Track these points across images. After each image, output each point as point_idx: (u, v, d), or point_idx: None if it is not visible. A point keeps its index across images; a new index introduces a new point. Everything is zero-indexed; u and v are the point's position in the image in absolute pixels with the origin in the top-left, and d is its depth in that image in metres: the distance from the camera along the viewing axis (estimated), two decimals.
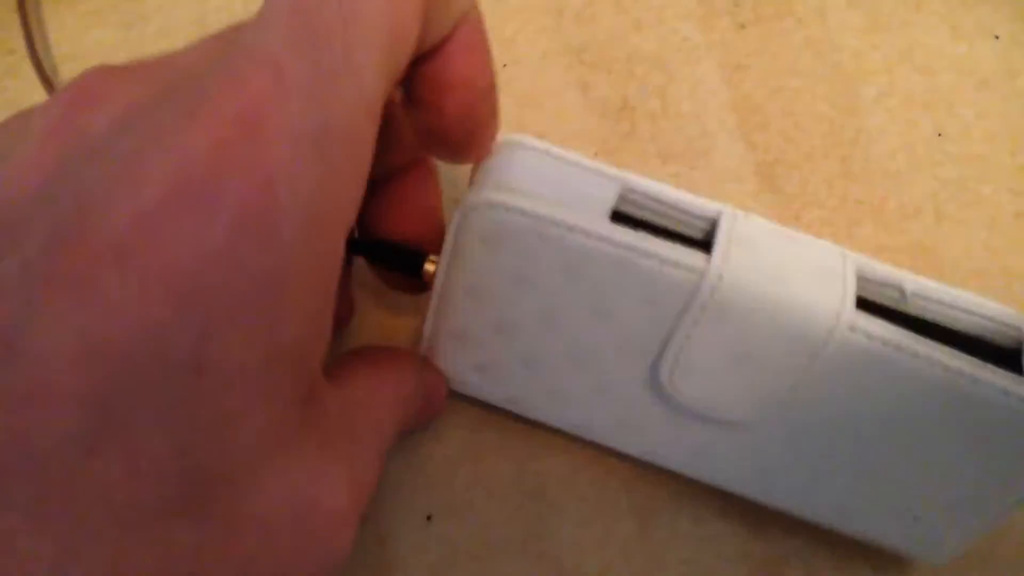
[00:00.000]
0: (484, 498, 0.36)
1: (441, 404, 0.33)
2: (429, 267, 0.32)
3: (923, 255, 0.40)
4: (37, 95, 0.41)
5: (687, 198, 0.31)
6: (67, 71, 0.41)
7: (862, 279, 0.30)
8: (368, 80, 0.22)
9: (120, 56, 0.41)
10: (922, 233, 0.41)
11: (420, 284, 0.32)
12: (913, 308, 0.31)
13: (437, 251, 0.31)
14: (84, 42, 0.42)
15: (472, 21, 0.26)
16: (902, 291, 0.30)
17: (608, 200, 0.30)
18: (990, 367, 0.29)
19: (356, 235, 0.33)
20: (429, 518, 0.35)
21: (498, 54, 0.42)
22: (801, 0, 0.43)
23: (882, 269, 0.31)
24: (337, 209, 0.22)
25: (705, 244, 0.30)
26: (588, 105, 0.42)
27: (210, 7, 0.42)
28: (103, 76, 0.23)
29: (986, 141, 0.42)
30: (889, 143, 0.42)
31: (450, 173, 0.38)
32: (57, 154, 0.22)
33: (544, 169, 0.30)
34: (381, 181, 0.32)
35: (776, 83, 0.42)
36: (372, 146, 0.23)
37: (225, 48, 0.22)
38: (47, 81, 0.40)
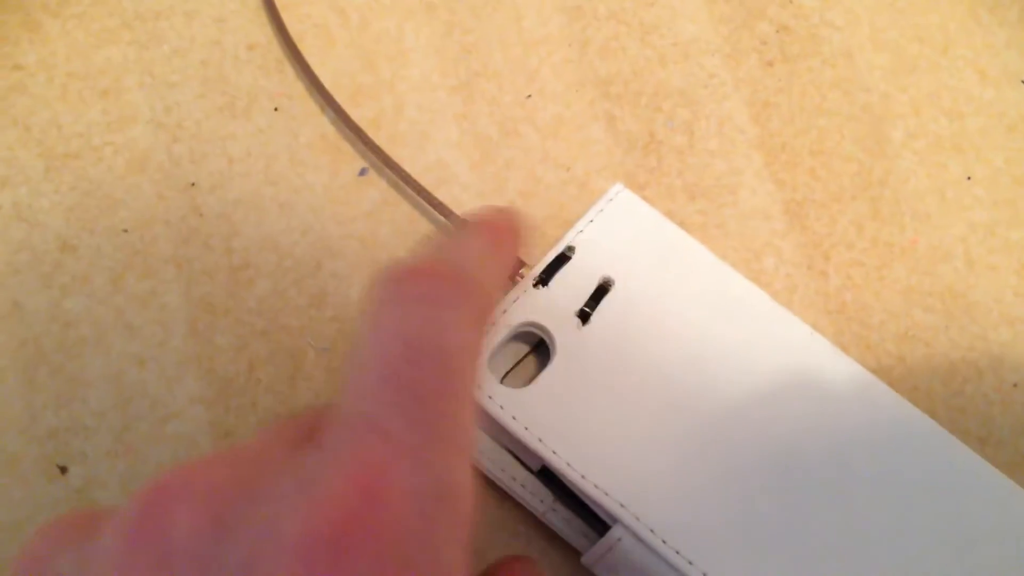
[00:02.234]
0: (508, 537, 0.34)
1: None
2: None
3: (952, 299, 0.39)
4: (45, 111, 0.39)
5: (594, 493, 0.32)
6: (75, 89, 0.40)
7: None
8: (467, 432, 0.22)
9: (132, 76, 0.40)
10: (953, 277, 0.40)
11: None
12: None
13: None
14: (94, 60, 0.40)
15: None
16: None
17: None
18: None
19: None
20: None
21: (522, 84, 0.41)
22: (828, 40, 0.43)
23: None
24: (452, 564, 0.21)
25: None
26: (614, 138, 0.41)
27: (227, 28, 0.41)
28: (177, 473, 0.22)
29: (1016, 186, 0.41)
30: (918, 185, 0.41)
31: None
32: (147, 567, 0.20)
33: None
34: None
35: (804, 122, 0.42)
36: (475, 500, 0.22)
37: (310, 426, 0.22)
38: None
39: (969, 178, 0.41)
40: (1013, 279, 0.40)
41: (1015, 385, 0.38)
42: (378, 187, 0.39)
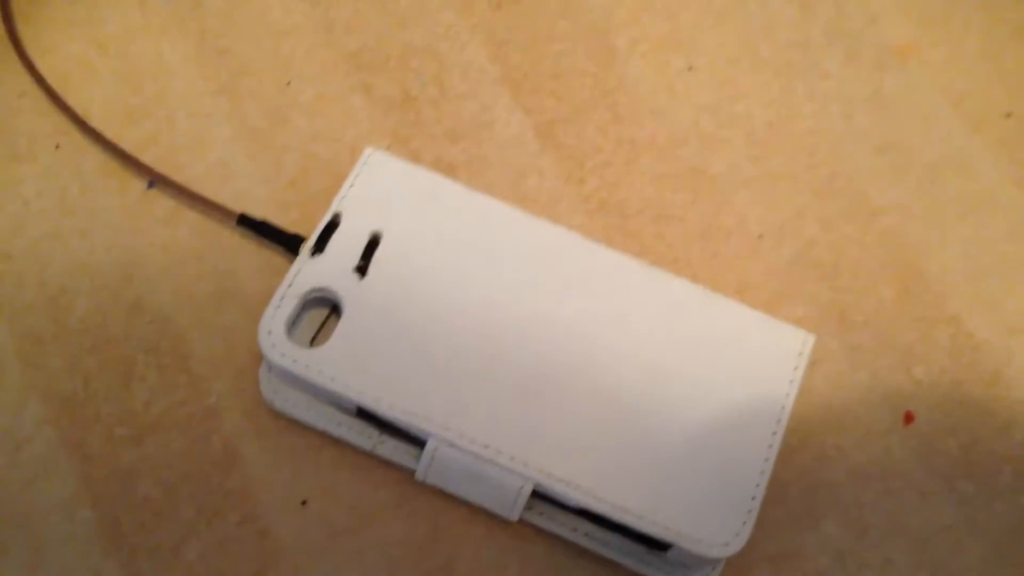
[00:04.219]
0: (350, 472, 0.39)
1: None
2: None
3: (695, 177, 0.45)
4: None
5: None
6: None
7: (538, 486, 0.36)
8: None
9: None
10: (693, 157, 0.45)
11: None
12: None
13: None
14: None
15: None
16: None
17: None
18: None
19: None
20: (304, 503, 0.38)
21: (280, 73, 0.45)
22: None
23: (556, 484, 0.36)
24: None
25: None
26: (374, 104, 0.45)
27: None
28: None
29: (731, 66, 0.47)
30: (648, 84, 0.46)
31: None
32: None
33: None
34: None
35: (538, 51, 0.47)
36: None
37: None
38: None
39: (691, 68, 0.47)
40: (743, 146, 0.46)
41: (760, 236, 0.44)
42: (167, 194, 0.42)
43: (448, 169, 0.44)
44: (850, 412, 0.41)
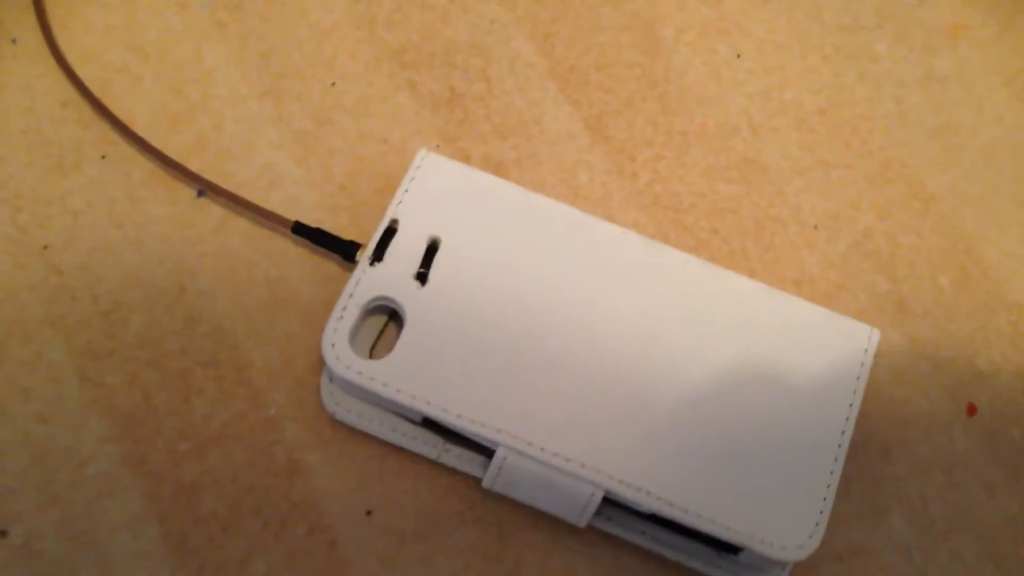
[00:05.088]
0: (414, 481, 0.38)
1: None
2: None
3: (747, 167, 0.44)
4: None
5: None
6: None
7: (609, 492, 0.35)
8: None
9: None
10: (743, 147, 0.45)
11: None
12: None
13: None
14: None
15: None
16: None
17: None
18: None
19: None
20: (369, 513, 0.38)
21: (325, 74, 0.44)
22: None
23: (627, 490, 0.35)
24: None
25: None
26: (420, 102, 0.44)
27: (36, 92, 0.43)
28: None
29: (780, 52, 0.46)
30: (696, 74, 0.46)
31: None
32: None
33: None
34: None
35: (584, 42, 0.46)
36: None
37: None
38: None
39: (739, 55, 0.46)
40: (794, 134, 0.45)
41: (815, 227, 0.43)
42: (217, 202, 0.42)
43: (498, 167, 0.43)
44: (912, 405, 0.41)
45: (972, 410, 0.41)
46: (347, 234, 0.41)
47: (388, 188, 0.42)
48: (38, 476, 0.38)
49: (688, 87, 0.45)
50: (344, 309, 0.37)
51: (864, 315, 0.42)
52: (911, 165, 0.45)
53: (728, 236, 0.43)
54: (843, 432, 0.37)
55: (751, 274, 0.42)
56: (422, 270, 0.38)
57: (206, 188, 0.42)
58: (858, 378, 0.38)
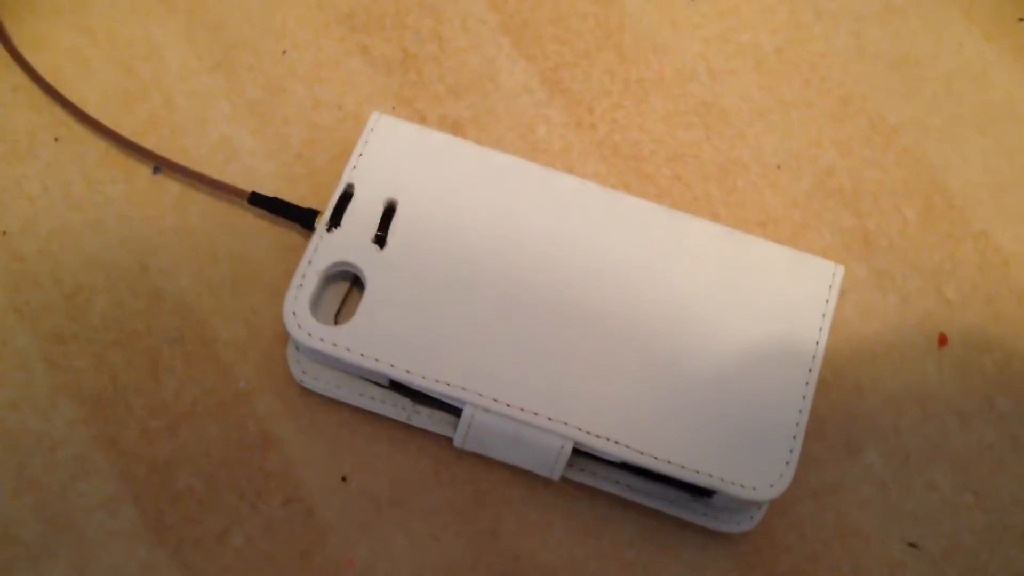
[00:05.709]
0: (387, 444, 0.38)
1: None
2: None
3: (707, 111, 0.44)
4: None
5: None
6: None
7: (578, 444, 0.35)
8: None
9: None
10: (702, 92, 0.44)
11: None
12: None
13: None
14: None
15: None
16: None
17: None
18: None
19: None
20: (344, 479, 0.38)
21: (275, 43, 0.44)
22: None
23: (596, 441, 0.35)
24: None
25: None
26: (373, 65, 0.44)
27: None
28: None
29: None
30: (651, 21, 0.45)
31: None
32: None
33: None
34: None
35: None
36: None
37: None
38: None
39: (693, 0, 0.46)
40: (753, 76, 0.45)
41: (778, 167, 0.43)
42: (174, 178, 0.42)
43: (455, 126, 0.43)
44: (883, 339, 0.41)
45: (943, 341, 0.41)
46: (307, 203, 0.41)
47: (345, 154, 0.42)
48: (11, 462, 0.38)
49: (643, 34, 0.45)
50: (304, 277, 0.37)
51: (830, 252, 0.42)
52: (871, 99, 0.44)
53: (691, 182, 0.43)
54: (810, 370, 0.37)
55: (715, 218, 0.42)
56: (379, 233, 0.38)
57: (162, 165, 0.41)
58: (823, 315, 0.38)
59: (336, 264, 0.37)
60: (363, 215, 0.38)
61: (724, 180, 0.43)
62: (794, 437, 0.36)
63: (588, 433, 0.35)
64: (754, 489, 0.35)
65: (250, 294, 0.40)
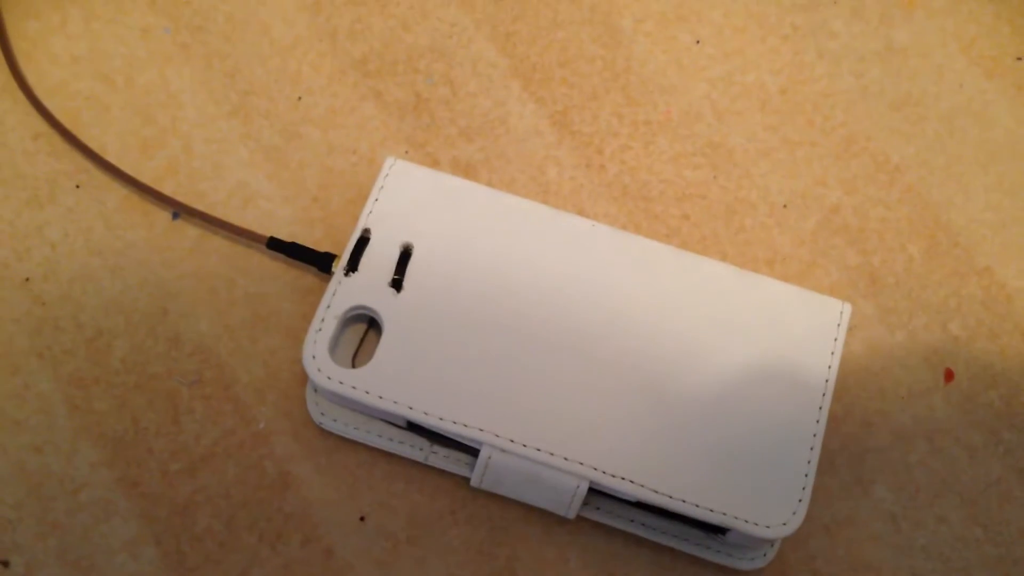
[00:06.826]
0: (404, 484, 0.39)
1: None
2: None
3: (713, 151, 0.45)
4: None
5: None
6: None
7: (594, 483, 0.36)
8: None
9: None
10: (708, 132, 0.45)
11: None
12: None
13: None
14: None
15: None
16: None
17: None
18: None
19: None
20: (362, 519, 0.39)
21: (290, 89, 0.44)
22: None
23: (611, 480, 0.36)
24: None
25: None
26: (386, 110, 0.45)
27: (6, 127, 0.44)
28: None
29: (738, 35, 0.47)
30: (657, 63, 0.46)
31: None
32: None
33: None
34: None
35: (545, 39, 0.46)
36: None
37: None
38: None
39: (698, 42, 0.47)
40: (758, 116, 0.45)
41: (784, 206, 0.44)
42: (193, 223, 0.43)
43: (467, 169, 0.44)
44: (890, 375, 0.41)
45: (949, 376, 0.41)
46: (323, 245, 0.42)
47: (360, 198, 0.43)
48: (35, 505, 0.38)
49: (650, 76, 0.46)
50: (322, 321, 0.38)
51: (837, 289, 0.42)
52: (875, 138, 0.45)
53: (699, 221, 0.44)
54: (820, 408, 0.37)
55: (723, 257, 0.43)
56: (396, 277, 0.39)
57: (181, 210, 0.42)
58: (832, 353, 0.38)
59: (354, 308, 0.38)
60: (380, 259, 0.39)
61: (732, 219, 0.44)
62: (806, 475, 0.36)
63: (604, 473, 0.36)
64: (768, 527, 0.35)
65: (268, 336, 0.41)
